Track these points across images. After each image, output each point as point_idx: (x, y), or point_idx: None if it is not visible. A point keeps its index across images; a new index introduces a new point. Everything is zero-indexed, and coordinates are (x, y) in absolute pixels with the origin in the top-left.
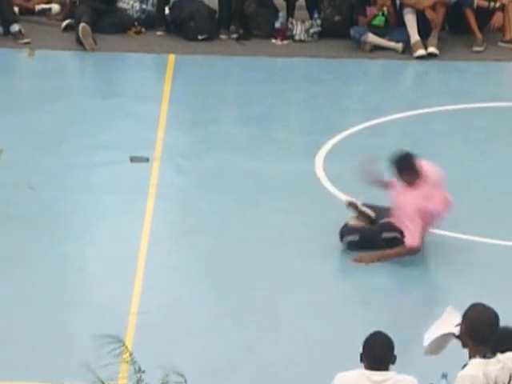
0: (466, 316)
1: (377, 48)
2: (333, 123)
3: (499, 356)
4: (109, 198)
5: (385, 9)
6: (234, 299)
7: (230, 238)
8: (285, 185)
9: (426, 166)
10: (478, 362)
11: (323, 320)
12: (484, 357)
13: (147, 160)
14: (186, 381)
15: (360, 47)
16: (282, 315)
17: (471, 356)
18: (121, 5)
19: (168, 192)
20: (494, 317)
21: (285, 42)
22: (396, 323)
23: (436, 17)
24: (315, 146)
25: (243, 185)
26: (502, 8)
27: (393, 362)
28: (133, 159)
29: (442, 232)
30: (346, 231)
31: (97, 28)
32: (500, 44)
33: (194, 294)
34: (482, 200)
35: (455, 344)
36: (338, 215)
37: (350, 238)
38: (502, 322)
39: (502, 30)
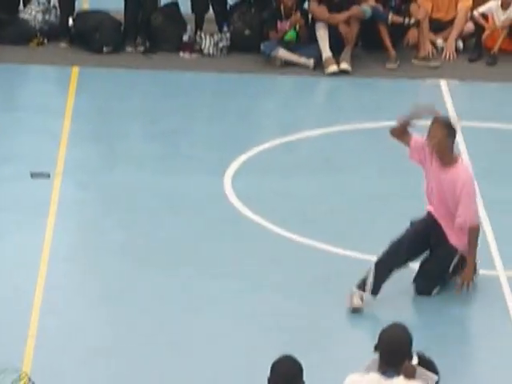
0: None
1: (288, 64)
2: (242, 140)
3: (400, 381)
4: (7, 215)
5: (297, 24)
6: (139, 320)
7: (135, 257)
8: (192, 202)
9: None
10: (374, 376)
11: (232, 343)
12: (384, 373)
13: (48, 176)
14: None
15: (270, 62)
16: (190, 338)
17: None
18: (23, 15)
19: (70, 209)
20: (404, 339)
21: (193, 55)
22: (307, 345)
23: (349, 32)
24: (224, 163)
25: (149, 202)
26: (417, 24)
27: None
28: (33, 175)
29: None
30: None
31: None
32: (414, 61)
33: (95, 316)
34: (397, 218)
35: None
36: (247, 233)
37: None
38: None
39: (416, 47)
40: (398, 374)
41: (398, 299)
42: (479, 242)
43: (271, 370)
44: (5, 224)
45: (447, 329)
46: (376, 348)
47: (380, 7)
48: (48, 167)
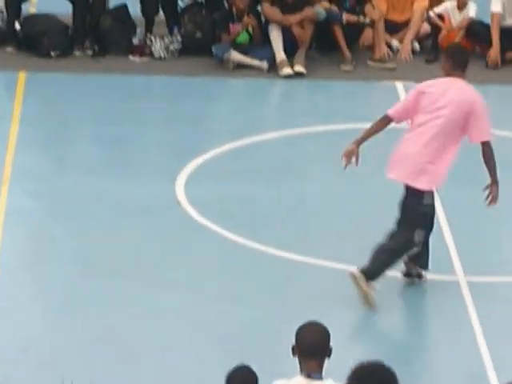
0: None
1: (240, 66)
2: (195, 145)
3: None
4: None
5: (249, 26)
6: (91, 330)
7: (85, 265)
8: (143, 209)
9: None
10: (300, 380)
11: (183, 354)
12: (309, 376)
13: None
14: None
15: (223, 65)
16: (138, 348)
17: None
18: None
19: (18, 218)
20: (322, 330)
21: (143, 58)
22: (260, 354)
23: (303, 34)
24: (176, 169)
25: (99, 209)
26: (372, 24)
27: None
28: None
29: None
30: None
31: None
32: (369, 63)
33: (48, 325)
34: (352, 223)
35: None
36: (200, 240)
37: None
38: None
39: (371, 48)
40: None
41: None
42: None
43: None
44: None
45: (407, 336)
46: (293, 350)
47: (334, 8)
48: None
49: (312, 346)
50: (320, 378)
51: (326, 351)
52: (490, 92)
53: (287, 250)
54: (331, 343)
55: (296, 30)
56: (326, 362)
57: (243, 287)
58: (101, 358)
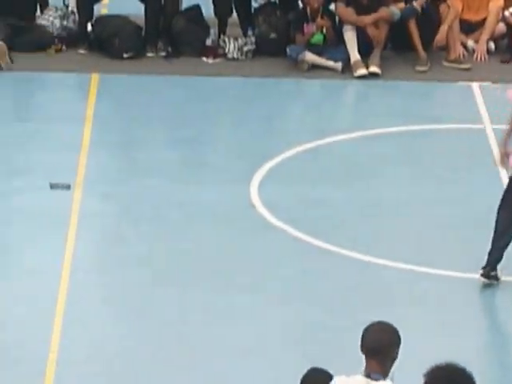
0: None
1: (315, 67)
2: (268, 146)
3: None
4: (27, 227)
5: (324, 26)
6: (163, 333)
7: (158, 269)
8: (216, 212)
9: None
10: (360, 378)
11: (259, 357)
12: (368, 376)
13: (68, 187)
14: None
15: (297, 66)
16: (213, 352)
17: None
18: (40, 21)
19: (91, 221)
20: (387, 330)
21: (216, 60)
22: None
23: (378, 34)
24: (249, 171)
25: (171, 212)
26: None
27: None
28: (53, 186)
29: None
30: None
31: (14, 46)
32: (444, 63)
33: (119, 329)
34: (428, 224)
35: None
36: (274, 243)
37: None
38: None
39: (446, 48)
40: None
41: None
42: None
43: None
44: (25, 236)
45: (487, 338)
46: (361, 348)
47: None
48: (68, 178)
49: (373, 345)
50: (379, 378)
51: (389, 352)
52: None
53: (361, 252)
54: (400, 345)
55: (371, 31)
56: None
57: (318, 289)
58: (173, 363)
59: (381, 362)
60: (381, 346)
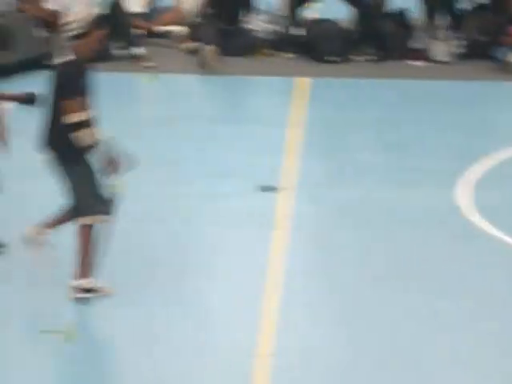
0: None
1: None
2: (478, 150)
3: None
4: (237, 230)
5: None
6: (375, 340)
7: (369, 273)
8: (426, 216)
9: None
10: None
11: (466, 368)
12: None
13: (274, 189)
14: None
15: (504, 68)
16: (431, 357)
17: None
18: (248, 26)
19: (301, 223)
20: None
21: (424, 63)
22: None
23: None
24: (458, 175)
25: (381, 215)
26: None
27: None
28: (262, 188)
29: None
30: None
31: (223, 50)
32: None
33: (331, 334)
34: None
35: None
36: (485, 249)
37: None
38: None
39: None
40: None
41: None
42: None
43: None
44: (234, 238)
45: None
46: None
47: None
48: (276, 181)
49: None
50: None
51: None
52: None
53: None
54: None
55: None
56: None
57: None
58: (382, 369)
59: None
60: None
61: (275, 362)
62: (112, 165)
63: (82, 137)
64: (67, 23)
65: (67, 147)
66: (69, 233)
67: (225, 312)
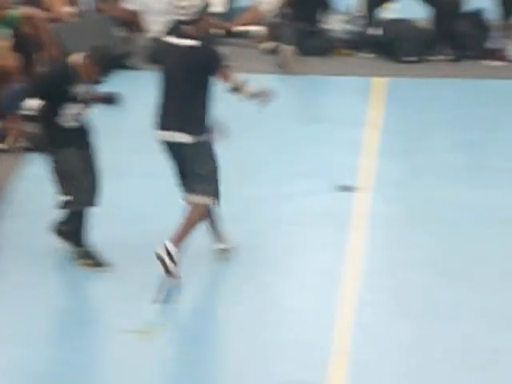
0: None
1: None
2: None
3: None
4: (313, 229)
5: None
6: (456, 339)
7: (448, 273)
8: (505, 215)
9: None
10: None
11: None
12: None
13: (352, 189)
14: None
15: None
16: (499, 359)
17: None
18: (326, 25)
19: (377, 223)
20: None
21: (500, 62)
22: None
23: None
24: None
25: (456, 216)
26: None
27: None
28: (339, 188)
29: None
30: None
31: (301, 50)
32: None
33: (409, 334)
34: None
35: None
36: None
37: None
38: None
39: None
40: None
41: None
42: None
43: None
44: (311, 238)
45: None
46: None
47: None
48: (353, 180)
49: None
50: None
51: None
52: None
53: None
54: None
55: None
56: None
57: None
58: (464, 369)
59: None
60: None
61: (351, 360)
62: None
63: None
64: (183, 7)
65: (204, 127)
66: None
67: (300, 310)
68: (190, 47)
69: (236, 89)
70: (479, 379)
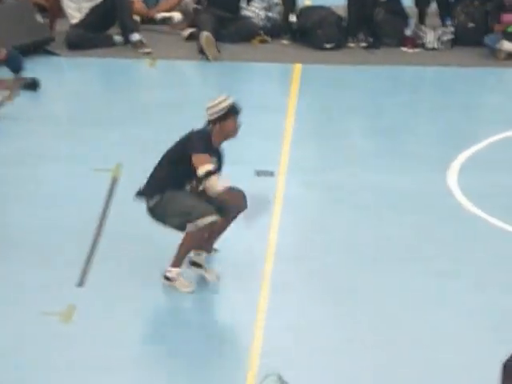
0: None
1: None
2: (466, 135)
3: None
4: None
5: None
6: (363, 320)
7: (358, 255)
8: (415, 199)
9: None
10: None
11: (455, 344)
12: None
13: (272, 174)
14: None
15: (494, 55)
16: (412, 337)
17: None
18: (245, 13)
19: (293, 208)
20: None
21: (415, 50)
22: None
23: None
24: (447, 159)
25: (370, 200)
26: None
27: None
28: (257, 173)
29: None
30: None
31: (220, 37)
32: None
33: (319, 315)
34: None
35: None
36: (471, 231)
37: None
38: None
39: None
40: None
41: None
42: None
43: (504, 370)
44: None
45: None
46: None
47: None
48: (271, 165)
49: None
50: None
51: None
52: None
53: None
54: None
55: None
56: None
57: None
58: (372, 347)
59: None
60: None
61: (266, 343)
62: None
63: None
64: None
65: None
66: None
67: (226, 291)
68: None
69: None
70: (391, 356)
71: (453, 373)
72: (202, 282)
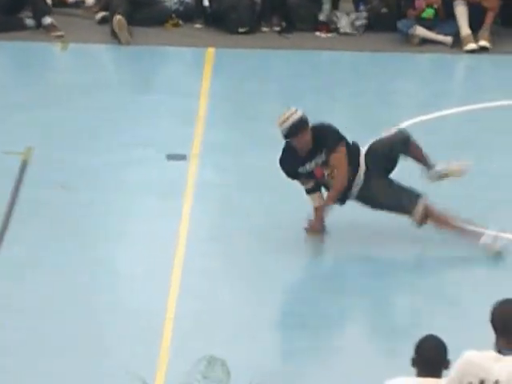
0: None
1: (425, 41)
2: (380, 119)
3: None
4: (144, 197)
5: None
6: (275, 303)
7: (272, 238)
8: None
9: None
10: (491, 354)
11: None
12: (499, 352)
13: (184, 158)
14: None
15: (408, 40)
16: (328, 319)
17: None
18: None
19: (207, 191)
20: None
21: (329, 34)
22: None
23: (493, 5)
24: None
25: (286, 183)
26: None
27: (446, 367)
28: (169, 157)
29: None
30: None
31: (132, 20)
32: None
33: (232, 298)
34: None
35: None
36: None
37: None
38: None
39: None
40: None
41: None
42: None
43: (416, 350)
44: (142, 206)
45: None
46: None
47: None
48: (184, 149)
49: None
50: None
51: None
52: None
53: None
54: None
55: (487, 2)
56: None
57: None
58: (284, 330)
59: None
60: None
61: (178, 325)
62: None
63: None
64: None
65: None
66: None
67: (133, 276)
68: None
69: None
70: (297, 347)
71: None
72: None
